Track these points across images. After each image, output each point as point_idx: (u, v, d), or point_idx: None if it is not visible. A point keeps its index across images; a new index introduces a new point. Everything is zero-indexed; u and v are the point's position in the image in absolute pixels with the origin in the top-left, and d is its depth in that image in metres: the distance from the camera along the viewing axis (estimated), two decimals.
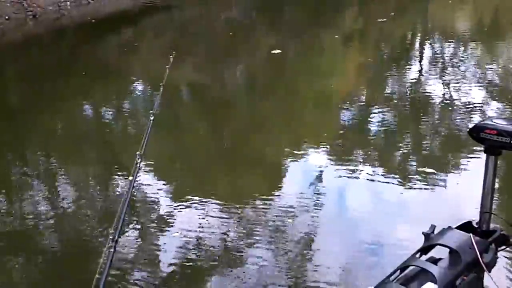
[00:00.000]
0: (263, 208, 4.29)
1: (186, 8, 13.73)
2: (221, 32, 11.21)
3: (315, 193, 4.51)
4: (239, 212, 4.25)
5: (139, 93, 7.80)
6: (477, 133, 1.79)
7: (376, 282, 1.59)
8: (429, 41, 10.49)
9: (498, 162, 1.83)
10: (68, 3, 12.28)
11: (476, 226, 1.85)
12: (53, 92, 7.69)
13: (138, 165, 2.67)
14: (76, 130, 6.37)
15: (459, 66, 8.26)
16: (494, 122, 1.77)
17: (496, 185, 1.85)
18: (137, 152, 2.79)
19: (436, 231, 1.77)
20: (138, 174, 4.53)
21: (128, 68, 8.91)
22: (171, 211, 4.36)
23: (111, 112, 7.28)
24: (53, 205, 4.65)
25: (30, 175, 5.33)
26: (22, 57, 9.63)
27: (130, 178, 2.56)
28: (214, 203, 4.39)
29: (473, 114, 6.07)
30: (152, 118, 3.24)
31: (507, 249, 1.83)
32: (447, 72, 8.01)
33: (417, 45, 10.44)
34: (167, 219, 4.26)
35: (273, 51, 8.85)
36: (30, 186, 5.05)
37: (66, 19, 12.08)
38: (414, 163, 5.13)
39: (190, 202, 4.43)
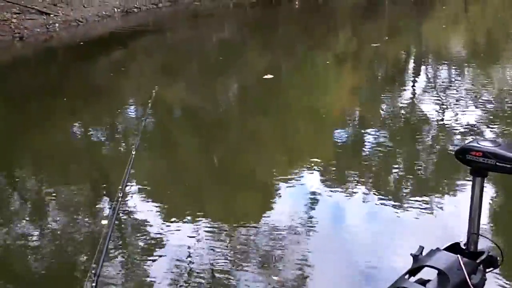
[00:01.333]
0: (255, 228, 4.42)
1: (177, 31, 13.73)
2: (212, 56, 11.19)
3: (306, 214, 4.66)
4: (230, 233, 4.36)
5: (120, 124, 7.79)
6: (463, 155, 1.82)
7: None
8: (423, 65, 10.68)
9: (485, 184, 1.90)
10: (57, 24, 12.26)
11: (464, 247, 1.89)
12: (36, 114, 7.69)
13: (119, 200, 2.70)
14: (58, 153, 6.41)
15: (453, 88, 8.51)
16: (479, 144, 1.80)
17: (484, 207, 1.92)
18: (119, 187, 2.84)
19: (424, 253, 1.81)
20: (126, 199, 4.85)
21: (112, 94, 8.99)
22: (160, 234, 4.44)
23: (92, 137, 7.32)
24: (28, 233, 4.64)
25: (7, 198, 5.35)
26: (7, 79, 9.61)
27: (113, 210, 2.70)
28: (205, 224, 4.50)
29: (466, 135, 6.28)
30: (133, 153, 3.27)
31: (495, 270, 1.86)
32: (440, 94, 8.24)
33: (411, 68, 10.70)
34: (155, 241, 4.33)
35: (265, 76, 8.78)
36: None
37: (54, 41, 12.06)
38: (407, 184, 5.33)
39: (180, 223, 4.55)
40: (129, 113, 8.16)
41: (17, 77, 9.82)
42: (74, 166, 5.99)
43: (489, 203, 4.60)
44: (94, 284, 2.00)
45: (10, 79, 9.65)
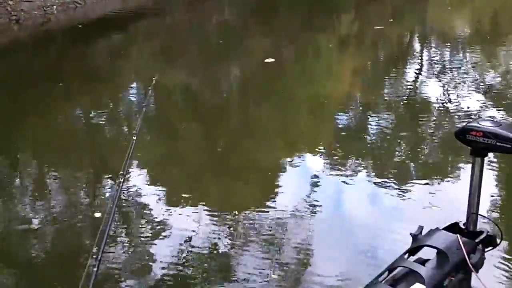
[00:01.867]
0: (257, 212, 4.48)
1: (177, 12, 13.54)
2: (212, 39, 11.05)
3: (308, 197, 4.74)
4: (232, 219, 4.42)
5: (119, 109, 7.78)
6: (463, 135, 1.85)
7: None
8: (428, 47, 10.65)
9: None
10: (55, 7, 12.10)
11: (464, 227, 1.92)
12: (32, 99, 7.65)
13: (121, 185, 2.76)
14: (54, 138, 6.42)
15: (458, 71, 8.48)
16: (480, 124, 1.83)
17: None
18: (120, 172, 2.85)
19: (423, 232, 1.84)
20: (128, 181, 4.93)
21: (111, 79, 8.93)
22: (161, 219, 4.49)
23: (91, 121, 7.24)
24: (28, 218, 4.68)
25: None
26: (3, 63, 9.46)
27: (114, 194, 2.80)
28: (206, 210, 4.56)
29: (471, 118, 6.28)
30: (134, 138, 3.31)
31: (494, 249, 1.90)
32: (445, 77, 8.25)
33: (415, 50, 10.62)
34: (157, 227, 4.37)
35: (266, 60, 8.64)
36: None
37: (52, 24, 11.90)
38: (409, 167, 5.40)
39: (181, 209, 4.60)
40: (128, 98, 8.13)
41: (13, 60, 9.75)
42: (71, 152, 5.99)
43: (489, 183, 4.62)
44: (95, 269, 2.01)
45: (6, 63, 9.55)
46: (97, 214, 4.46)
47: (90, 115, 7.32)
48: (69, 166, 5.70)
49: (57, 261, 4.11)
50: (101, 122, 7.10)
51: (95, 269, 2.02)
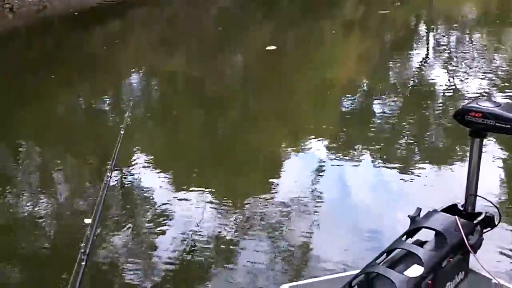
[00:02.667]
0: (262, 197, 4.56)
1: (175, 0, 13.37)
2: (211, 26, 10.89)
3: (313, 180, 4.84)
4: (236, 206, 4.47)
5: (111, 99, 7.70)
6: (462, 116, 1.84)
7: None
8: (434, 31, 10.53)
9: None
10: None
11: (462, 208, 1.93)
12: (27, 88, 7.57)
13: (108, 179, 2.71)
14: (47, 127, 6.43)
15: (464, 54, 8.48)
16: (479, 104, 1.82)
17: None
18: (108, 167, 2.83)
19: (422, 214, 1.85)
20: (132, 169, 5.12)
21: (105, 68, 8.82)
22: (165, 206, 4.55)
23: (84, 111, 7.24)
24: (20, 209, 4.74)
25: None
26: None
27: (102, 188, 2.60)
28: (210, 197, 4.61)
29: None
30: (122, 132, 3.25)
31: (492, 230, 1.90)
32: (451, 60, 8.24)
33: (420, 35, 10.49)
34: (160, 215, 4.43)
35: (268, 48, 8.49)
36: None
37: (48, 11, 11.73)
38: (413, 150, 5.49)
39: (185, 196, 4.64)
40: (120, 88, 8.09)
41: (6, 50, 9.56)
42: (63, 141, 5.98)
43: (488, 164, 4.64)
44: (84, 263, 2.04)
45: (1, 52, 9.43)
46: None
47: (83, 105, 7.31)
48: (56, 158, 5.72)
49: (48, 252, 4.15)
50: (93, 111, 7.08)
51: (83, 263, 2.06)
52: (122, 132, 3.24)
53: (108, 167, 2.84)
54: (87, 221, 3.77)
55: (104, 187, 2.59)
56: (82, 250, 2.11)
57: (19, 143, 6.11)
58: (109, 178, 2.72)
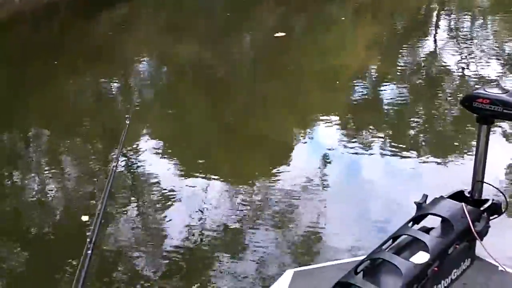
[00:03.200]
0: (271, 182, 4.67)
1: None
2: (218, 12, 10.83)
3: (321, 165, 4.95)
4: (247, 189, 4.58)
5: (116, 89, 7.69)
6: (469, 103, 1.85)
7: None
8: (446, 17, 10.45)
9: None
10: None
11: (468, 195, 1.94)
12: (33, 74, 7.66)
13: (114, 168, 2.71)
14: (53, 113, 6.51)
15: (476, 40, 8.45)
16: (486, 91, 1.82)
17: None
18: (113, 155, 2.80)
19: (428, 201, 1.87)
20: (139, 155, 5.24)
21: (111, 54, 8.79)
22: (173, 190, 4.66)
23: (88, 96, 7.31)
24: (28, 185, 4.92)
25: None
26: (4, 37, 9.37)
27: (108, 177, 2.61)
28: (218, 181, 4.74)
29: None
30: (128, 122, 3.24)
31: (499, 217, 1.91)
32: (462, 46, 8.23)
33: (432, 20, 10.39)
34: (169, 198, 4.54)
35: (276, 34, 8.46)
36: None
37: None
38: (422, 137, 5.53)
39: (193, 180, 4.75)
40: (128, 73, 8.11)
41: (14, 35, 9.63)
42: (68, 127, 6.08)
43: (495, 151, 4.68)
44: (90, 251, 2.04)
45: (6, 37, 9.43)
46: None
47: (89, 90, 7.35)
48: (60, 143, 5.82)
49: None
50: (101, 96, 7.14)
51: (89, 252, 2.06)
52: (128, 123, 3.23)
53: (113, 155, 2.85)
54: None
55: (110, 176, 2.59)
56: (88, 239, 2.09)
57: (29, 129, 6.21)
58: (114, 168, 2.71)
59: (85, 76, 7.80)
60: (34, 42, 9.22)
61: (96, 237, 2.12)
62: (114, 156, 2.88)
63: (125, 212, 4.35)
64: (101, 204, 2.32)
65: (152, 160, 5.22)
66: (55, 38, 9.59)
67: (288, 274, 2.48)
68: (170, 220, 4.27)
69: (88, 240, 2.09)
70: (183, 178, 4.86)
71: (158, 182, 4.81)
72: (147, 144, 5.53)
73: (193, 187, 4.67)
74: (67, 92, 7.26)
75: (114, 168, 2.69)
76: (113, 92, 7.42)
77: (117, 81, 7.75)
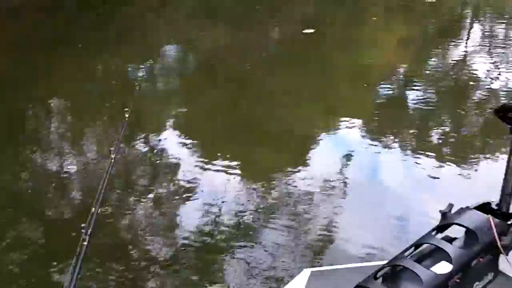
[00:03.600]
0: (291, 179, 4.70)
1: None
2: (248, 4, 10.77)
3: (343, 166, 4.96)
4: (269, 185, 4.61)
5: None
6: (503, 113, 1.83)
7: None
8: (480, 22, 10.27)
9: None
10: None
11: (496, 207, 1.90)
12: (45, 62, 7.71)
13: (112, 160, 2.70)
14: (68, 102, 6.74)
15: (510, 47, 8.32)
16: None
17: None
18: (111, 148, 2.85)
19: (453, 210, 1.83)
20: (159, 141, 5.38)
21: (137, 40, 8.90)
22: (190, 180, 4.72)
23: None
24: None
25: None
26: (12, 26, 9.42)
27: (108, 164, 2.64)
28: (238, 174, 4.78)
29: None
30: (127, 116, 3.25)
31: None
32: (495, 52, 8.11)
33: (466, 25, 10.25)
34: (188, 188, 4.59)
35: (305, 31, 8.37)
36: None
37: None
38: (448, 143, 5.49)
39: (213, 171, 4.82)
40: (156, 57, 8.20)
41: (24, 22, 9.63)
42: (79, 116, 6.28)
43: None
44: (85, 243, 2.02)
45: (14, 25, 9.47)
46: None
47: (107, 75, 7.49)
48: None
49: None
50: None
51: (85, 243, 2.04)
52: (127, 116, 3.24)
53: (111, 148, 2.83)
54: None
55: (109, 166, 2.60)
56: (83, 230, 2.07)
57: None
58: (112, 160, 2.70)
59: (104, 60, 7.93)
60: (47, 28, 9.22)
61: (92, 229, 2.09)
62: (114, 147, 2.85)
63: (141, 201, 4.42)
64: (98, 195, 2.31)
65: (170, 146, 5.33)
66: (71, 24, 9.54)
67: (305, 273, 2.48)
68: (186, 211, 4.31)
69: (83, 231, 2.06)
70: (200, 164, 4.92)
71: (171, 171, 4.89)
72: (165, 133, 5.67)
73: (211, 179, 4.70)
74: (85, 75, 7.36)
75: (112, 161, 2.68)
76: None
77: (140, 66, 7.83)
